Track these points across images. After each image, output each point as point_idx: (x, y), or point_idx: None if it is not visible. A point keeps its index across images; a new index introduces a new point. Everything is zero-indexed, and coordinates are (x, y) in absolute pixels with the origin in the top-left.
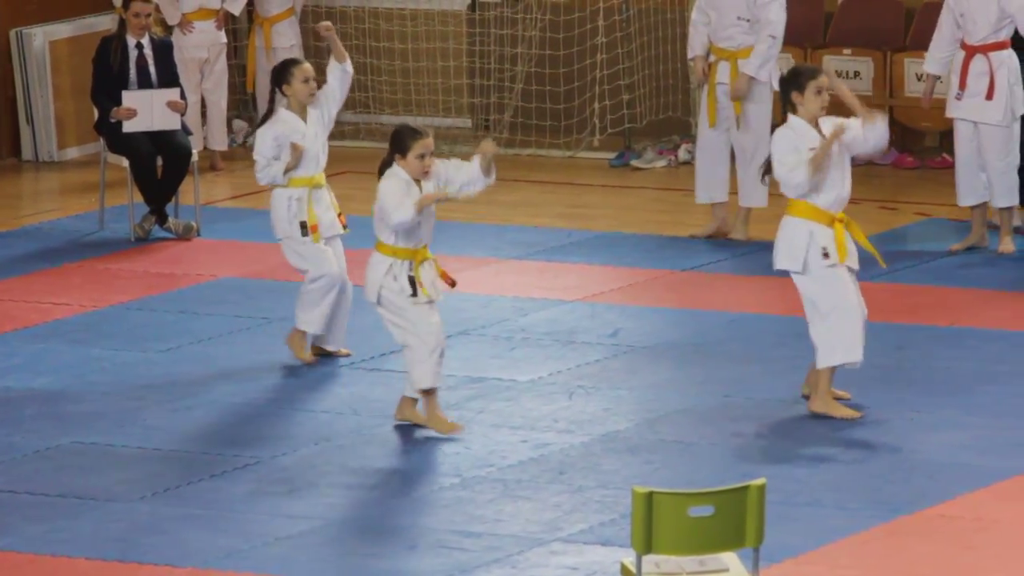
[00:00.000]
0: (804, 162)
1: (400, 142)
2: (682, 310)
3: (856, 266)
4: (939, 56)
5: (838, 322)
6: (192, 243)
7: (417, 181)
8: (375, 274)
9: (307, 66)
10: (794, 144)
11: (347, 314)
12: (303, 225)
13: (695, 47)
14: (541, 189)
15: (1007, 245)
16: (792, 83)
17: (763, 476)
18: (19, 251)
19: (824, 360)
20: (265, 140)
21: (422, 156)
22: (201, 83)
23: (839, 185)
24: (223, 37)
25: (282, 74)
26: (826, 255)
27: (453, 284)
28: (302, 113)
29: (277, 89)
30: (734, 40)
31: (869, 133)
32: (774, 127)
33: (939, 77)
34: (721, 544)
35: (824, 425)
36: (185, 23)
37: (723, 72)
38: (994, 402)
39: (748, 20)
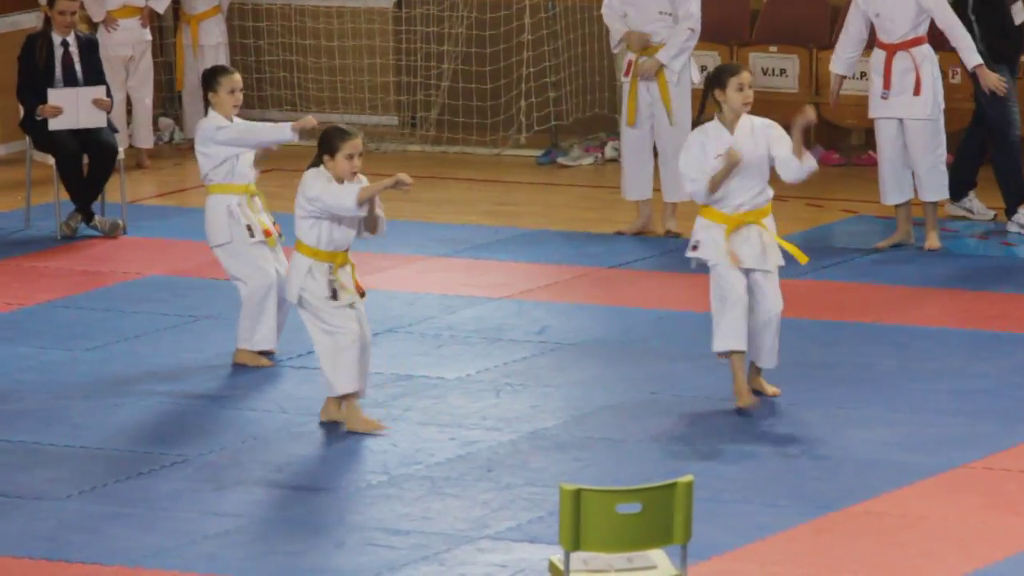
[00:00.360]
0: (705, 176)
1: (329, 142)
2: (609, 307)
3: (761, 266)
4: (846, 56)
5: (716, 314)
6: (118, 241)
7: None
8: (296, 275)
9: (236, 77)
10: (700, 155)
11: (285, 315)
12: (249, 228)
13: (618, 31)
14: (468, 187)
15: (933, 241)
16: (715, 81)
17: (691, 473)
18: None
19: (713, 346)
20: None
21: (351, 156)
22: (126, 81)
23: (746, 192)
24: (148, 35)
25: (210, 81)
26: (695, 248)
27: (362, 294)
28: (228, 119)
29: (205, 94)
30: (657, 36)
31: (793, 164)
32: (694, 124)
33: (845, 77)
34: (649, 541)
35: (751, 422)
36: (110, 20)
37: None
38: (920, 399)
39: (670, 15)
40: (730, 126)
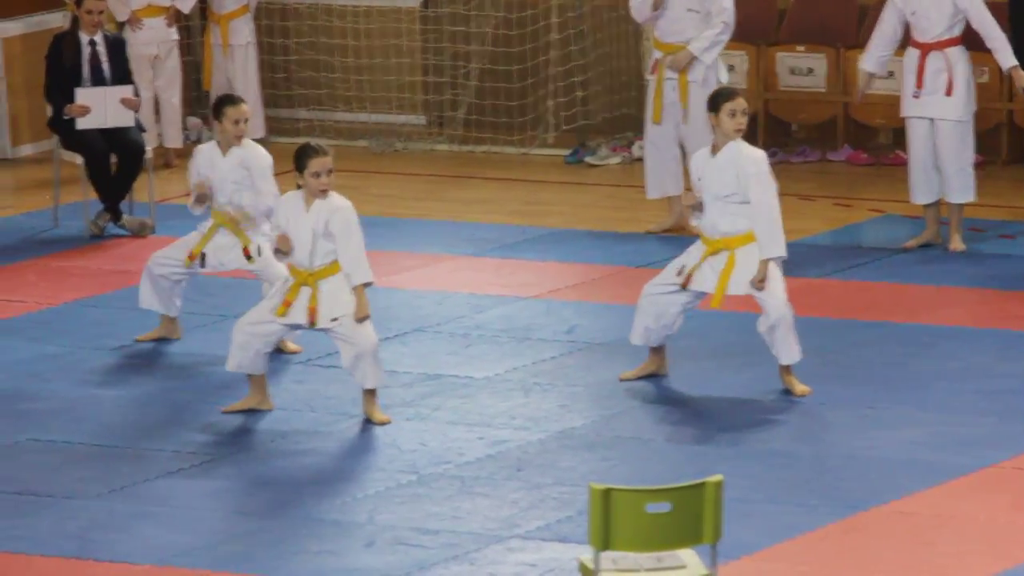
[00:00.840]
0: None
1: (298, 159)
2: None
3: (702, 289)
4: (878, 55)
5: None
6: (147, 240)
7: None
8: None
9: (243, 107)
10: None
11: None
12: (201, 256)
13: (643, 9)
14: (496, 186)
15: (957, 243)
16: (710, 104)
17: (720, 472)
18: None
19: None
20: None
21: (317, 174)
22: (154, 80)
23: (721, 219)
24: (174, 34)
25: (216, 110)
26: (679, 273)
27: (311, 324)
28: (224, 148)
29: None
30: (684, 34)
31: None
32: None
33: (874, 75)
34: (679, 541)
35: (781, 422)
36: (134, 20)
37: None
38: (949, 399)
39: (698, 12)
40: (716, 149)
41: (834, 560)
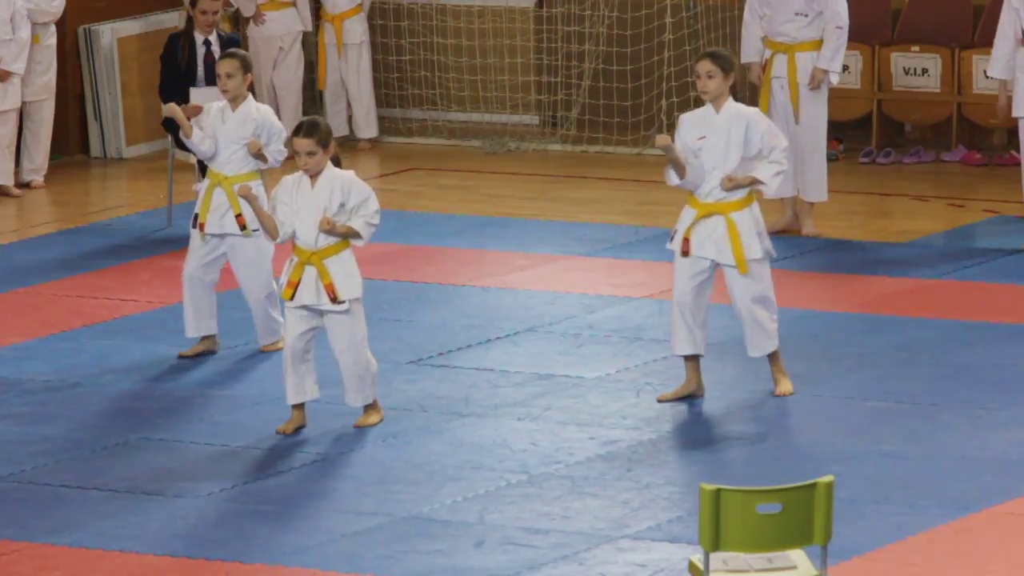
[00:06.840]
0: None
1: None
2: None
3: (718, 259)
4: (1005, 60)
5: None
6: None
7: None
8: None
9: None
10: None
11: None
12: (195, 217)
13: (748, 53)
14: (608, 186)
15: None
16: (729, 67)
17: (831, 473)
18: (87, 247)
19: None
20: None
21: (297, 153)
22: (273, 76)
23: (712, 180)
24: (299, 24)
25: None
26: (672, 239)
27: (334, 300)
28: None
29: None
30: (790, 35)
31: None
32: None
33: (1007, 80)
34: (789, 541)
35: (892, 423)
36: (258, 15)
37: (779, 66)
38: None
39: (806, 15)
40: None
41: (945, 561)
